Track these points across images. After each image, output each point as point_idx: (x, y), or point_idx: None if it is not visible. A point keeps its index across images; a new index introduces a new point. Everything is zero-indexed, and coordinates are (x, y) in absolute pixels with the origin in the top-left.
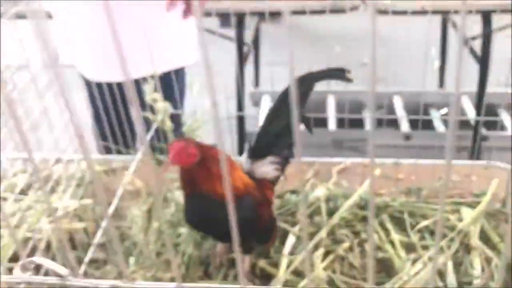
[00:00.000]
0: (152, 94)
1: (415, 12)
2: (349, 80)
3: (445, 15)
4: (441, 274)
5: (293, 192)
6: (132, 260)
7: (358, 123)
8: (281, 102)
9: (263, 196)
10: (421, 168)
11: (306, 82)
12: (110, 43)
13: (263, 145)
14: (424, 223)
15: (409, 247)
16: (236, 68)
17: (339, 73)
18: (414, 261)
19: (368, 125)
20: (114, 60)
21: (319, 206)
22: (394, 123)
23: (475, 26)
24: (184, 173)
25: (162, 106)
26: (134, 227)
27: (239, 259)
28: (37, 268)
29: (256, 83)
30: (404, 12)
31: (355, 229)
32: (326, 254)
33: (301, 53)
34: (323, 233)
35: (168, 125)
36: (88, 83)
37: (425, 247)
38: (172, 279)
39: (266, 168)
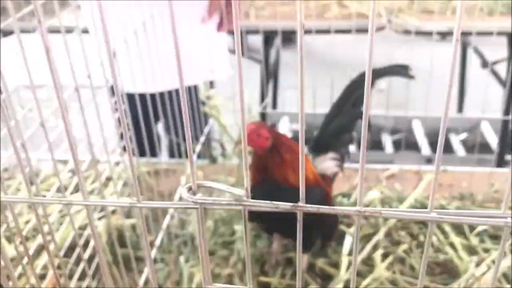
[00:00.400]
0: (207, 91)
1: (440, 33)
2: (411, 77)
3: (465, 38)
4: (507, 277)
5: (345, 195)
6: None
7: (377, 146)
8: (343, 99)
9: (327, 195)
10: (471, 175)
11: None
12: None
13: (324, 141)
14: (483, 226)
15: (470, 250)
16: (260, 89)
17: (402, 70)
18: (477, 264)
19: (388, 148)
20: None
21: (374, 207)
22: (415, 147)
23: (499, 49)
24: (257, 160)
25: (218, 101)
26: (191, 225)
27: (299, 256)
28: None
29: (274, 105)
30: (429, 33)
31: (412, 231)
32: (386, 255)
33: (319, 79)
34: (380, 234)
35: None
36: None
37: (486, 250)
38: (229, 275)
39: (327, 164)
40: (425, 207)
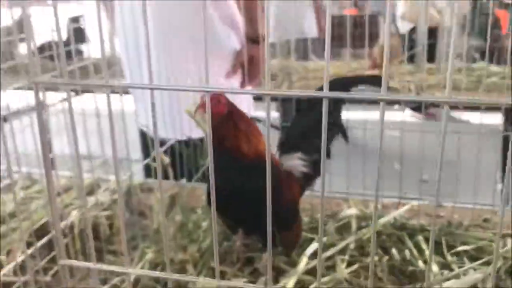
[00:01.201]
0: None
1: (488, 108)
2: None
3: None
4: None
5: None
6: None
7: None
8: (312, 101)
9: (288, 179)
10: (464, 211)
11: (341, 86)
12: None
13: (291, 141)
14: (463, 247)
15: (444, 267)
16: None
17: (374, 80)
18: (448, 279)
19: None
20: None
21: (350, 222)
22: None
23: None
24: (213, 128)
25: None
26: (154, 214)
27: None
28: None
29: None
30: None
31: (386, 246)
32: (351, 263)
33: (360, 168)
34: (350, 239)
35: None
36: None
37: (461, 267)
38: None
39: (293, 162)
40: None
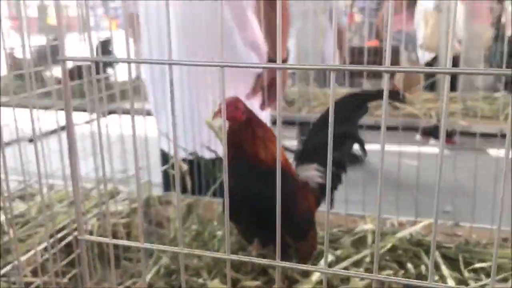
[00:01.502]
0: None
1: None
2: (403, 102)
3: None
4: None
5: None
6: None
7: None
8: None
9: (304, 190)
10: (482, 231)
11: (360, 99)
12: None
13: (308, 152)
14: (481, 264)
15: (461, 283)
16: None
17: (393, 95)
18: None
19: None
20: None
21: (366, 236)
22: None
23: None
24: (231, 135)
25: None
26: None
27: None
28: None
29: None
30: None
31: (402, 261)
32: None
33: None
34: (366, 252)
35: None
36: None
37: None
38: (196, 268)
39: (311, 173)
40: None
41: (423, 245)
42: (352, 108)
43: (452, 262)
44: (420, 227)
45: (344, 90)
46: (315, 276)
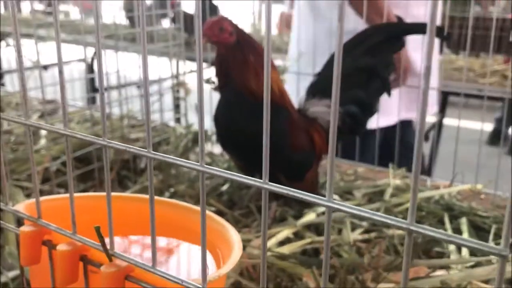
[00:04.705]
0: None
1: None
2: (447, 39)
3: None
4: None
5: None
6: None
7: None
8: (355, 43)
9: (304, 125)
10: None
11: (398, 30)
12: None
13: (324, 85)
14: None
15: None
16: None
17: (437, 31)
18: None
19: None
20: None
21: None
22: None
23: None
24: (219, 61)
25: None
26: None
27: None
28: None
29: None
30: None
31: (422, 222)
32: (370, 231)
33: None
34: (377, 205)
35: None
36: None
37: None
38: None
39: (320, 108)
40: None
41: (453, 210)
42: (386, 39)
43: (479, 231)
44: (456, 190)
45: None
46: (305, 218)
